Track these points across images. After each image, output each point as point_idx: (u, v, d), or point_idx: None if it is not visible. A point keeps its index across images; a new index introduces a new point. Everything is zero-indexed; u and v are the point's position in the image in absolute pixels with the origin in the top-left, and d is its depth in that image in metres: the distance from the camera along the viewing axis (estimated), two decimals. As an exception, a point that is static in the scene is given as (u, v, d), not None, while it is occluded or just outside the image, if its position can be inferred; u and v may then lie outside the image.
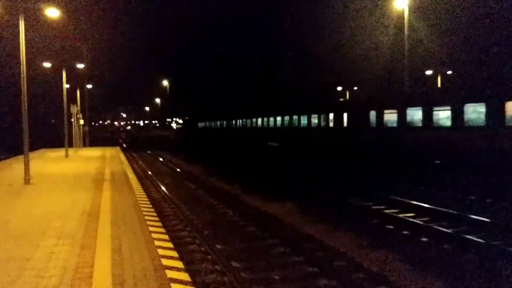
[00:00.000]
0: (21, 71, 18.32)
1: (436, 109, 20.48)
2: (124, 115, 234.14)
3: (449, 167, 19.19)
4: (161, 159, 38.91)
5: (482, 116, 18.16)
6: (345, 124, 28.47)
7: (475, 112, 18.57)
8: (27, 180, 18.24)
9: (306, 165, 27.89)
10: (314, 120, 32.28)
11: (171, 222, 13.65)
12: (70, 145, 40.36)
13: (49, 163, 28.97)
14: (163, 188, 20.32)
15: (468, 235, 11.38)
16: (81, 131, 49.54)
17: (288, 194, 18.39)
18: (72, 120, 44.67)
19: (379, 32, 52.33)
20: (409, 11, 29.22)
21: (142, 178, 23.74)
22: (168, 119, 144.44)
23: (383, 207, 15.44)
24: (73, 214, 11.87)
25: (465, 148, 18.71)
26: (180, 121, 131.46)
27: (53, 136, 57.95)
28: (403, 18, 29.31)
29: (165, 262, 7.98)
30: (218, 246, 10.91)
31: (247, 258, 10.17)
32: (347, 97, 64.03)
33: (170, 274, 7.40)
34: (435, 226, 12.40)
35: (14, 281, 6.99)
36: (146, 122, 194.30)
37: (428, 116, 20.78)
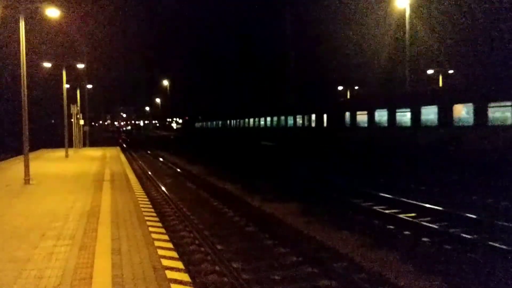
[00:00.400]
0: (21, 71, 18.30)
1: (398, 111, 24.32)
2: (124, 115, 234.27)
3: (410, 161, 22.30)
4: (161, 159, 38.88)
5: (435, 117, 21.61)
6: (325, 124, 31.76)
7: (430, 113, 22.11)
8: (27, 181, 18.22)
9: (295, 163, 29.49)
10: (299, 120, 35.54)
11: (171, 223, 13.64)
12: (70, 145, 40.32)
13: (49, 163, 28.94)
14: (163, 188, 20.30)
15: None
16: (81, 131, 49.51)
17: (287, 193, 19.01)
18: (72, 120, 44.61)
19: (380, 31, 52.33)
20: (411, 9, 29.16)
21: (142, 178, 23.72)
22: (168, 119, 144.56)
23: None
24: (73, 215, 11.84)
25: (424, 144, 21.97)
26: (180, 121, 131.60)
27: (53, 136, 57.94)
28: (404, 16, 29.28)
29: (165, 262, 7.96)
30: (218, 247, 10.89)
31: (248, 258, 10.14)
32: (348, 96, 64.00)
33: (170, 274, 7.39)
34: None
35: (13, 282, 6.96)
36: (146, 122, 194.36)
37: (392, 117, 24.58)
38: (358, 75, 63.01)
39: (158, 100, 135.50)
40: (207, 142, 58.11)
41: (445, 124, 20.97)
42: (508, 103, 18.14)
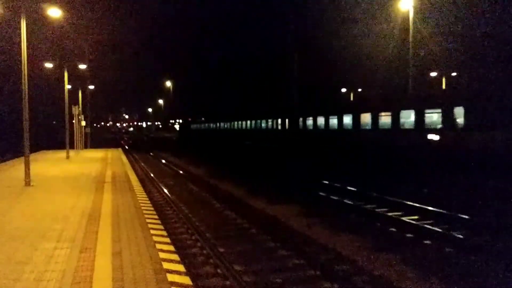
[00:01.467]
0: (23, 72, 18.22)
1: (345, 116, 27.49)
2: (127, 116, 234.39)
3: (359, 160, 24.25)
4: (163, 160, 38.83)
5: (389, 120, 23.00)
6: (286, 127, 36.47)
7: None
8: (27, 182, 18.12)
9: (273, 161, 33.26)
10: (269, 124, 40.96)
11: (172, 225, 13.53)
12: (72, 146, 40.25)
13: (50, 164, 28.87)
14: (165, 190, 20.20)
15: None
16: (83, 132, 49.46)
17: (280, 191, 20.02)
18: (73, 121, 44.56)
19: (383, 33, 52.21)
20: (414, 12, 29.00)
21: (143, 180, 23.64)
22: (171, 121, 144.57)
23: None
24: (73, 217, 11.75)
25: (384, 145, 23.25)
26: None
27: (54, 137, 57.92)
28: (407, 18, 29.13)
29: (166, 265, 7.86)
30: (220, 249, 10.78)
31: (250, 261, 10.04)
32: (351, 98, 63.97)
33: (171, 277, 7.30)
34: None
35: (13, 285, 6.87)
36: (148, 123, 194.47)
37: (340, 121, 27.89)
38: (360, 77, 62.92)
39: (161, 101, 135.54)
40: (200, 143, 62.83)
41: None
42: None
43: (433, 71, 50.28)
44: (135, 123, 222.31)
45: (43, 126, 69.76)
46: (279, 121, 38.10)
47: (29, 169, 18.36)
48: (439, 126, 19.95)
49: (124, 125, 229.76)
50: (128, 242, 9.19)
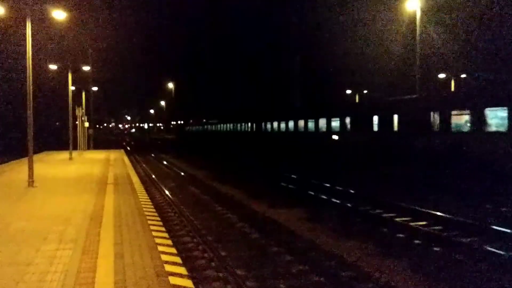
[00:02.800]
0: (27, 73, 18.27)
1: (309, 121, 32.73)
2: (129, 118, 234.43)
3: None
4: (165, 162, 38.84)
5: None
6: (254, 129, 44.94)
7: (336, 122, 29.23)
8: (30, 183, 18.14)
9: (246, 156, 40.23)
10: (245, 126, 48.23)
11: (174, 227, 13.52)
12: (75, 147, 40.30)
13: (53, 165, 28.92)
14: (167, 192, 20.21)
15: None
16: (86, 133, 49.49)
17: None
18: (76, 122, 44.62)
19: (390, 34, 52.12)
20: (421, 12, 28.88)
21: (145, 182, 23.65)
22: (173, 122, 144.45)
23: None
24: (75, 218, 11.76)
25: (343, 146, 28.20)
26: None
27: (57, 138, 57.97)
28: (415, 19, 29.05)
29: (168, 268, 7.85)
30: (223, 253, 10.77)
31: (252, 265, 10.00)
32: (357, 100, 63.89)
33: (173, 280, 7.29)
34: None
35: (15, 286, 6.87)
36: (150, 124, 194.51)
37: (305, 124, 33.11)
38: (366, 79, 62.71)
39: (163, 102, 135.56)
40: (192, 144, 68.25)
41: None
42: None
43: (441, 72, 50.03)
44: (137, 124, 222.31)
45: (46, 127, 69.86)
46: (249, 124, 46.97)
47: (32, 170, 18.40)
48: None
49: (126, 126, 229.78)
50: (130, 244, 9.19)
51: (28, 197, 15.62)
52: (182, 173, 29.31)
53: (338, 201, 17.13)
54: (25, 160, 20.40)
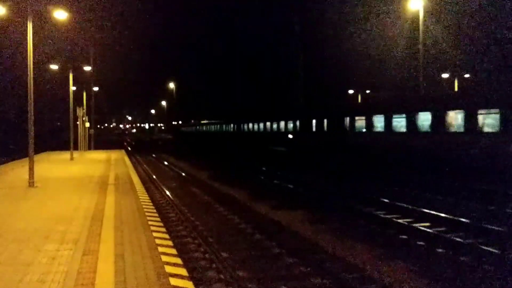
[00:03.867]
0: (28, 73, 18.28)
1: (275, 123, 41.57)
2: (130, 118, 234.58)
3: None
4: (166, 162, 38.83)
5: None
6: (235, 130, 53.66)
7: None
8: (31, 183, 18.14)
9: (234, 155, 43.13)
10: (228, 127, 57.05)
11: (175, 228, 13.51)
12: (75, 148, 40.30)
13: (53, 166, 28.93)
14: (168, 193, 20.19)
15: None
16: (87, 133, 49.50)
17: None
18: (77, 122, 44.62)
19: (392, 34, 51.96)
20: (424, 12, 28.74)
21: (146, 182, 23.65)
22: (174, 122, 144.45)
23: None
24: (76, 218, 11.76)
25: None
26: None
27: (58, 138, 57.94)
28: (418, 19, 28.94)
29: (168, 269, 7.85)
30: (224, 254, 10.75)
31: (254, 267, 9.97)
32: (359, 100, 63.81)
33: (173, 281, 7.29)
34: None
35: (15, 286, 6.87)
36: (151, 125, 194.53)
37: (272, 126, 40.97)
38: (369, 79, 62.54)
39: (164, 102, 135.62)
40: (186, 144, 72.75)
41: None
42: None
43: (444, 72, 49.91)
44: (138, 124, 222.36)
45: (47, 127, 69.86)
46: (230, 125, 54.61)
47: (33, 170, 18.40)
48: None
49: (127, 126, 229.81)
50: (130, 244, 9.18)
51: (29, 198, 15.62)
52: (183, 174, 29.34)
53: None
54: (26, 161, 20.38)
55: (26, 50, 18.06)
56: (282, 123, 39.32)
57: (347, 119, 29.84)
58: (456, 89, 44.99)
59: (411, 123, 23.64)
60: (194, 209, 16.80)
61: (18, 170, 24.81)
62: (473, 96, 21.75)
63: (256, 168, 30.23)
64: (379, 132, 26.37)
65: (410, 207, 15.11)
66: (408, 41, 44.84)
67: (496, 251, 10.31)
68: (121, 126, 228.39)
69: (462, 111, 20.86)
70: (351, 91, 68.25)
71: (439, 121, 21.90)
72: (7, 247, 9.02)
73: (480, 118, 20.01)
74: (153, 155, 48.60)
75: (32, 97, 18.56)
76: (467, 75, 49.80)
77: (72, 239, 9.60)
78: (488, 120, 19.79)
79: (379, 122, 26.43)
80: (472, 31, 45.97)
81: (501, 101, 19.13)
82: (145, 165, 36.16)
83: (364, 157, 26.51)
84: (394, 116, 25.05)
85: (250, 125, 47.64)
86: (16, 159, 34.95)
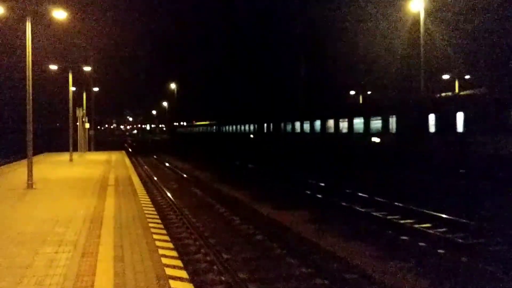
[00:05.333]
0: (27, 73, 18.16)
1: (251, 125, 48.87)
2: (130, 119, 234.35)
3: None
4: (167, 164, 38.70)
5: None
6: (215, 130, 64.34)
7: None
8: (30, 185, 17.99)
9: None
10: (212, 128, 66.85)
11: (176, 230, 13.38)
12: (75, 149, 40.14)
13: (53, 167, 28.78)
14: (168, 194, 20.06)
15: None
16: (87, 134, 49.34)
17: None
18: (77, 123, 44.45)
19: (394, 35, 51.81)
20: (425, 13, 28.58)
21: (147, 184, 23.53)
22: (175, 123, 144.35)
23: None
24: (75, 220, 11.62)
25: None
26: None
27: (57, 140, 57.82)
28: (418, 20, 28.78)
29: (169, 271, 7.74)
30: (225, 256, 10.61)
31: (255, 269, 9.86)
32: (361, 101, 63.69)
33: (174, 284, 7.19)
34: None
35: (13, 289, 6.76)
36: (152, 126, 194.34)
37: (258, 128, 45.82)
38: (370, 80, 62.38)
39: (165, 103, 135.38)
40: (179, 144, 77.51)
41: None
42: None
43: (445, 73, 49.76)
44: (139, 125, 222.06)
45: (47, 128, 69.77)
46: (214, 127, 64.54)
47: (31, 171, 18.26)
48: None
49: (128, 127, 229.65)
50: (130, 247, 9.05)
51: (27, 199, 15.48)
52: (185, 175, 29.22)
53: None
54: (25, 162, 20.25)
55: (25, 50, 17.93)
56: (247, 126, 49.46)
57: (282, 124, 39.47)
58: (457, 90, 44.83)
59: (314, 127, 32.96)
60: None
61: (17, 172, 24.67)
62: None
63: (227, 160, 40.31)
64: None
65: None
66: (409, 42, 44.73)
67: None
68: (121, 127, 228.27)
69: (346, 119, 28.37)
70: (352, 92, 68.17)
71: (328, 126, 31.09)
72: (5, 250, 8.89)
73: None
74: (154, 156, 48.51)
75: (31, 97, 18.43)
76: (467, 76, 49.72)
77: (71, 241, 9.47)
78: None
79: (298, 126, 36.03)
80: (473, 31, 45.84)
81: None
82: (145, 166, 36.04)
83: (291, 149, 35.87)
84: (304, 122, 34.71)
85: (228, 127, 57.81)
86: (15, 160, 34.81)
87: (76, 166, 29.33)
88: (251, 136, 46.20)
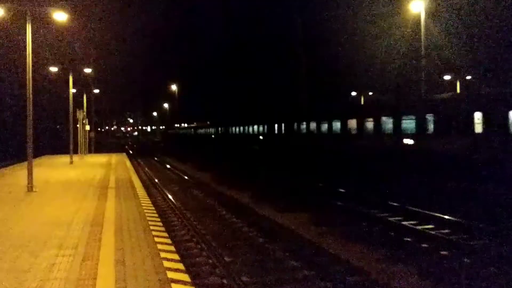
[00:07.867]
0: (27, 75, 18.09)
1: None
2: (131, 120, 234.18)
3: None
4: (168, 166, 38.63)
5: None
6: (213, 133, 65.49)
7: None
8: (30, 188, 17.89)
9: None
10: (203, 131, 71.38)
11: (177, 233, 13.29)
12: (76, 151, 40.07)
13: (53, 170, 28.71)
14: (170, 196, 19.99)
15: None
16: (87, 136, 49.28)
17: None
18: (77, 125, 44.38)
19: (394, 36, 51.69)
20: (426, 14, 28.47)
21: (148, 186, 23.45)
22: (176, 125, 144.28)
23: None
24: (76, 223, 11.54)
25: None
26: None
27: (58, 142, 57.76)
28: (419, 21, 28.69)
29: (170, 275, 7.65)
30: (227, 259, 10.52)
31: (257, 271, 9.78)
32: (362, 102, 63.58)
33: (176, 287, 7.10)
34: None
35: (13, 293, 6.69)
36: (153, 127, 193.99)
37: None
38: (371, 81, 62.24)
39: (166, 105, 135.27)
40: (173, 145, 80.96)
41: None
42: None
43: (446, 74, 49.67)
44: (140, 127, 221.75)
45: (47, 130, 69.67)
46: (213, 129, 64.95)
47: (31, 174, 18.17)
48: None
49: (129, 129, 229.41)
50: (131, 250, 8.97)
51: (27, 202, 15.40)
52: (186, 177, 29.17)
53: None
54: (25, 164, 20.18)
55: (25, 52, 17.87)
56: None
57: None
58: (458, 91, 44.77)
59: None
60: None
61: (17, 174, 24.60)
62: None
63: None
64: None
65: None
66: (410, 43, 44.62)
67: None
68: (122, 129, 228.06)
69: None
70: (354, 93, 68.07)
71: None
72: (6, 253, 8.82)
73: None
74: (155, 158, 48.46)
75: (31, 100, 18.36)
76: (469, 77, 49.64)
77: (71, 245, 9.39)
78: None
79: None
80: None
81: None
82: (146, 168, 35.98)
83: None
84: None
85: (216, 129, 61.42)
86: (15, 163, 34.74)
87: (76, 169, 29.26)
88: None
